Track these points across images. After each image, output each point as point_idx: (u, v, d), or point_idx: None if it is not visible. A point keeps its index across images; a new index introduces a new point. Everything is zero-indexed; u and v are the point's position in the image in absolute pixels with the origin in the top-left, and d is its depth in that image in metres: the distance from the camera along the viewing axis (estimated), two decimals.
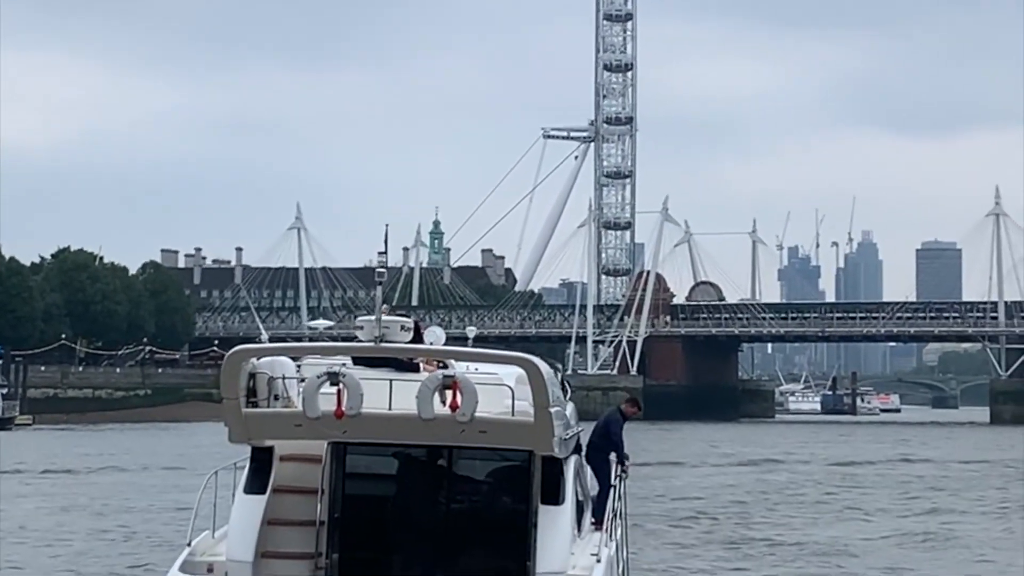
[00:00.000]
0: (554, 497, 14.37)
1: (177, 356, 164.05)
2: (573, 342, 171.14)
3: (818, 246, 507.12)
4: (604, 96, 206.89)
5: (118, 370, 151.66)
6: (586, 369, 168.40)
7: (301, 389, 14.00)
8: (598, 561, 14.07)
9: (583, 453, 16.49)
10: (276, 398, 14.43)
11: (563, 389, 16.17)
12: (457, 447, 14.39)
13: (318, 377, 13.66)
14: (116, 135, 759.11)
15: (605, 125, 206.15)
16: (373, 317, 13.94)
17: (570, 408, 16.15)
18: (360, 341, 14.35)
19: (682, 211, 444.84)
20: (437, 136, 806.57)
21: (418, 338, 15.02)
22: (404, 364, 14.70)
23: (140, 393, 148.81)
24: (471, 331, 18.22)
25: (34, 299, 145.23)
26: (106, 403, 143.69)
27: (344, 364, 14.23)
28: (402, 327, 14.41)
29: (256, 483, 14.63)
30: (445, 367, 14.00)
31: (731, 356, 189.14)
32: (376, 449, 14.76)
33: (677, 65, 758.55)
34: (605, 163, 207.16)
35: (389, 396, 13.95)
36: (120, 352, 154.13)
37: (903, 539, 36.46)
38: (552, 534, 14.12)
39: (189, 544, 14.51)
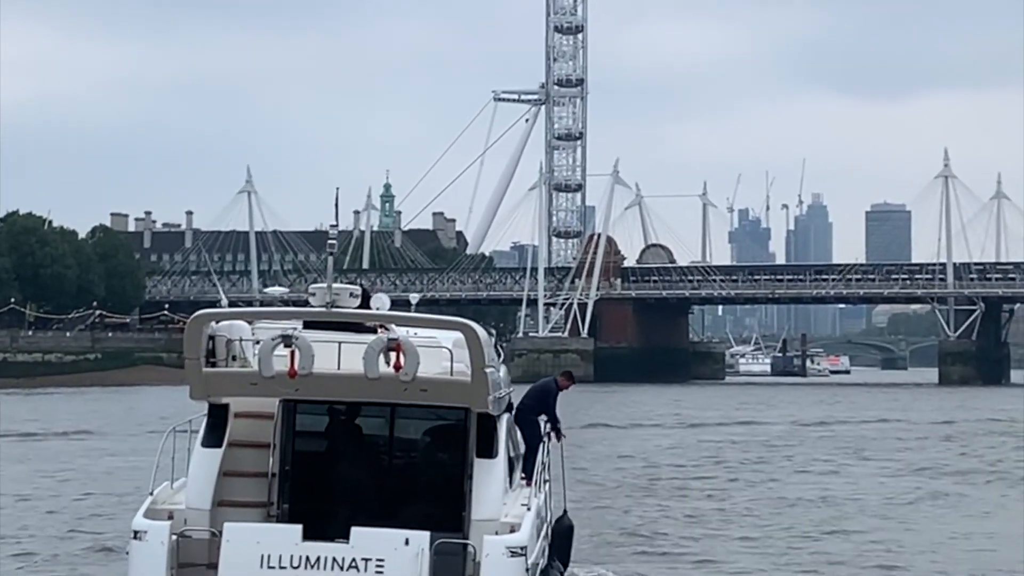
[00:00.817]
0: (488, 451, 15.77)
1: (127, 320, 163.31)
2: (524, 305, 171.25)
3: (768, 208, 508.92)
4: (555, 59, 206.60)
5: (68, 334, 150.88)
6: (537, 332, 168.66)
7: (257, 350, 15.37)
8: (528, 510, 15.58)
9: (514, 414, 17.80)
10: (234, 359, 15.91)
11: (496, 353, 17.55)
12: (399, 405, 15.84)
13: (273, 339, 14.98)
14: (65, 98, 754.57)
15: (556, 87, 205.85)
16: (325, 284, 15.20)
17: (503, 371, 17.46)
18: (312, 307, 15.65)
19: (633, 174, 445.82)
20: (388, 99, 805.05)
21: (365, 304, 16.29)
22: (357, 327, 15.69)
23: (90, 357, 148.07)
24: (414, 297, 19.60)
25: None
26: (56, 367, 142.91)
27: (295, 328, 15.35)
28: (351, 294, 15.73)
29: (213, 437, 15.98)
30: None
31: (681, 318, 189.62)
32: (324, 408, 16.30)
33: (628, 28, 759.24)
34: (556, 125, 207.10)
35: (338, 357, 15.30)
36: (70, 316, 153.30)
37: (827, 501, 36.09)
38: (486, 485, 15.58)
39: (151, 494, 15.73)
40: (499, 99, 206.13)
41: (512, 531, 15.19)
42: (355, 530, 14.80)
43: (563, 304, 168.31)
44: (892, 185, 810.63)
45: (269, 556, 14.62)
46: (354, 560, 14.56)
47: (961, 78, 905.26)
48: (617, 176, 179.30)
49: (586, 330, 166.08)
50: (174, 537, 15.03)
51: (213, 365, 15.73)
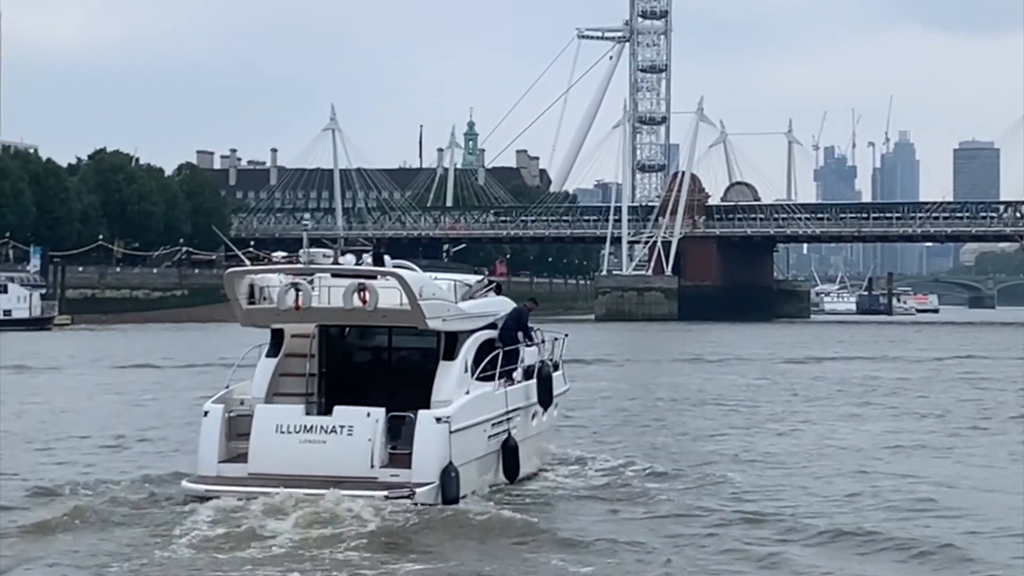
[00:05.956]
0: (450, 356, 23.13)
1: (214, 257, 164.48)
2: (608, 243, 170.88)
3: (854, 146, 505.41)
4: None
5: (155, 271, 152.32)
6: (621, 270, 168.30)
7: (278, 293, 22.89)
8: (467, 393, 22.86)
9: (499, 332, 24.81)
10: (265, 299, 23.15)
11: (488, 289, 25.78)
12: (393, 327, 23.62)
13: (286, 286, 22.79)
14: (153, 38, 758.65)
15: (640, 20, 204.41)
16: (309, 250, 23.42)
17: (477, 302, 24.85)
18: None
19: (717, 111, 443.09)
20: (472, 37, 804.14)
21: (336, 261, 24.64)
22: (364, 275, 22.91)
23: (177, 294, 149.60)
24: (350, 258, 25.28)
25: (71, 200, 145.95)
26: (143, 303, 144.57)
27: (320, 277, 23.05)
28: (323, 255, 24.23)
29: (273, 351, 23.78)
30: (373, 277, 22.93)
31: (766, 257, 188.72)
32: (339, 329, 24.09)
33: None
34: (639, 58, 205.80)
35: (329, 296, 22.85)
36: (156, 253, 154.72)
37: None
38: (447, 378, 22.87)
39: (227, 387, 23.43)
40: (583, 36, 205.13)
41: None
42: (336, 407, 22.42)
43: (647, 242, 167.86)
44: (980, 122, 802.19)
45: (280, 425, 22.15)
46: (334, 427, 22.02)
47: None
48: (701, 114, 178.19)
49: (670, 268, 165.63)
50: (227, 415, 22.70)
51: (252, 303, 23.16)
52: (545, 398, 25.39)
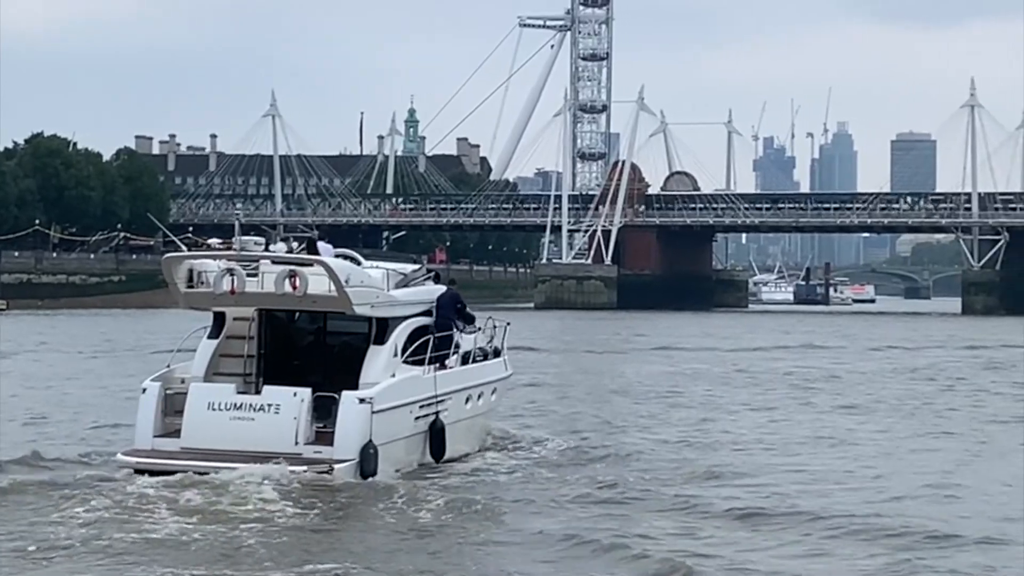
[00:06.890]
0: (380, 340, 24.32)
1: (152, 243, 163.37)
2: (548, 231, 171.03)
3: (793, 137, 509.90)
4: None
5: (92, 256, 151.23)
6: (561, 258, 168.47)
7: (214, 278, 24.01)
8: (392, 376, 24.05)
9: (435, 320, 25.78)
10: (203, 283, 24.26)
11: (427, 277, 26.65)
12: (328, 312, 24.47)
13: (222, 271, 23.94)
14: (90, 20, 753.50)
15: (581, 8, 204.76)
16: (240, 238, 24.26)
17: (410, 290, 25.69)
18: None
19: (658, 100, 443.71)
20: (414, 23, 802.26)
21: (267, 248, 25.41)
22: (299, 263, 23.98)
23: (114, 279, 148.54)
24: (282, 246, 26.10)
25: (7, 184, 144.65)
26: (80, 289, 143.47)
27: (263, 263, 24.10)
28: (255, 243, 25.00)
29: (214, 332, 24.83)
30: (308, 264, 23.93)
31: (705, 246, 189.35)
32: (286, 314, 25.05)
33: None
34: (581, 47, 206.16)
35: (262, 281, 23.96)
36: (94, 238, 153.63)
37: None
38: (375, 362, 24.09)
39: (168, 366, 24.40)
40: (524, 24, 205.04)
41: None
42: (265, 387, 23.67)
43: (587, 231, 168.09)
44: (918, 114, 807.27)
45: (212, 403, 23.25)
46: (263, 405, 23.09)
47: (989, 8, 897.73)
48: (642, 103, 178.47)
49: (610, 257, 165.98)
50: (165, 392, 23.79)
51: (191, 287, 24.34)
52: (467, 318, 26.86)
